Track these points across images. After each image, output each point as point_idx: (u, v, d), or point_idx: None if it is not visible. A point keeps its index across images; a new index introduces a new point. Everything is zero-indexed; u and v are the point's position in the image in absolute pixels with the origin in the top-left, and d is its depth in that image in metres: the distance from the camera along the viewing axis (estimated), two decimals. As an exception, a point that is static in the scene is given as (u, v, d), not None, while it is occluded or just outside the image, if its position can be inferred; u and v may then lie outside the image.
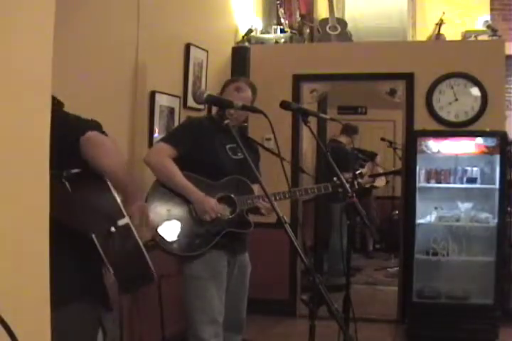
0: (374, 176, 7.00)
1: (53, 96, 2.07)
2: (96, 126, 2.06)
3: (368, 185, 7.13)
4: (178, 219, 2.90)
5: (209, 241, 2.89)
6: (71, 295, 1.86)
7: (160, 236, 2.82)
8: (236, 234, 2.99)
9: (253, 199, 2.97)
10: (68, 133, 1.93)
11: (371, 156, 7.47)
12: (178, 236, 2.88)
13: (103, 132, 2.08)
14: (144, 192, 3.02)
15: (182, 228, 2.89)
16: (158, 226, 2.83)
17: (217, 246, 2.91)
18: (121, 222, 1.95)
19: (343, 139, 6.44)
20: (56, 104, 2.05)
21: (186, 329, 2.96)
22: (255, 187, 3.01)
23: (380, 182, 7.54)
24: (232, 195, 2.96)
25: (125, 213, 1.99)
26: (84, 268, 1.91)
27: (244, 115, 3.09)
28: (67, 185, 1.87)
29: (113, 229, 1.87)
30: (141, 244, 2.00)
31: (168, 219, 2.89)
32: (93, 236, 1.85)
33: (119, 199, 2.01)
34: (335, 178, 2.92)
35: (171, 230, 2.88)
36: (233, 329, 3.07)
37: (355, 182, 3.08)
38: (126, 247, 1.91)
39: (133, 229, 1.99)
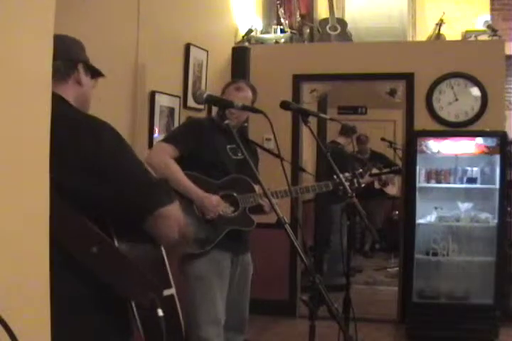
0: (376, 175, 7.02)
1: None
2: (169, 194, 1.77)
3: (378, 186, 7.18)
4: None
5: (213, 240, 2.91)
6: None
7: None
8: (239, 234, 3.00)
9: (255, 197, 2.98)
10: (140, 203, 1.68)
11: (390, 165, 7.45)
12: None
13: (173, 196, 1.80)
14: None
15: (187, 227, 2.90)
16: None
17: (221, 245, 2.92)
18: (166, 292, 1.74)
19: (342, 140, 6.43)
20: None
21: (188, 328, 2.96)
22: (256, 188, 3.02)
23: (393, 189, 7.57)
24: (235, 194, 2.98)
25: (172, 283, 1.79)
26: (114, 308, 1.71)
27: (245, 115, 3.10)
28: (115, 239, 1.66)
29: (160, 312, 1.61)
30: (180, 315, 1.80)
31: None
32: (132, 303, 1.66)
33: (168, 267, 1.80)
34: (335, 176, 2.93)
35: None
36: (236, 329, 3.08)
37: (355, 181, 3.09)
38: (165, 318, 1.67)
39: (176, 300, 1.79)
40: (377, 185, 7.35)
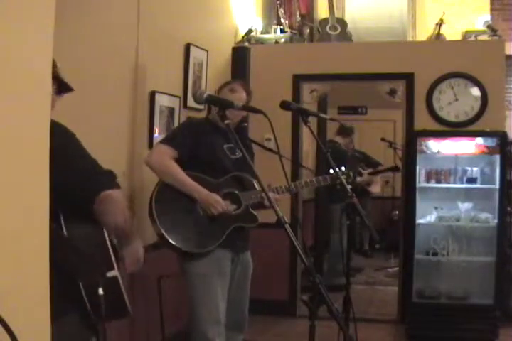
0: (374, 174, 7.01)
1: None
2: (113, 181, 2.04)
3: (364, 184, 7.17)
4: (185, 218, 2.92)
5: (218, 238, 2.92)
6: (59, 310, 1.80)
7: (168, 235, 2.83)
8: (240, 232, 3.02)
9: (257, 194, 2.99)
10: (85, 187, 1.91)
11: (375, 164, 7.45)
12: (187, 235, 2.89)
13: (117, 183, 2.05)
14: (144, 193, 3.02)
15: (190, 226, 2.91)
16: (163, 231, 2.84)
17: (222, 244, 2.94)
18: (109, 274, 1.95)
19: (340, 140, 6.43)
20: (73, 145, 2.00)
21: (190, 327, 2.96)
22: (257, 185, 3.04)
23: (376, 188, 7.54)
24: (236, 191, 2.99)
25: (115, 265, 1.99)
26: (72, 282, 1.88)
27: (240, 115, 3.11)
28: (63, 225, 1.86)
29: (100, 291, 1.84)
30: (124, 294, 2.01)
31: (175, 219, 2.90)
32: (80, 284, 1.86)
33: (111, 250, 2.00)
34: (331, 170, 2.95)
35: (179, 229, 2.88)
36: (235, 329, 3.09)
37: (351, 174, 3.12)
38: (109, 296, 1.89)
39: (120, 281, 1.99)
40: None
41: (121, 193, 2.07)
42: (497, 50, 4.84)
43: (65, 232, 1.86)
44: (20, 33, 1.47)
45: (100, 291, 1.82)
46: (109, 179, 2.03)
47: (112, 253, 1.99)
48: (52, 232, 1.71)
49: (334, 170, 2.71)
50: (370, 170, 7.14)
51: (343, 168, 3.10)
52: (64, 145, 1.87)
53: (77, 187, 1.88)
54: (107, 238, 2.00)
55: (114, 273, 1.97)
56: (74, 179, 1.88)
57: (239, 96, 3.09)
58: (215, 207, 2.90)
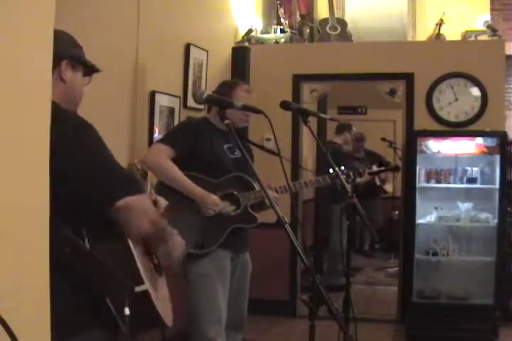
0: (375, 173, 7.01)
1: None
2: (135, 186, 1.84)
3: (378, 183, 7.19)
4: (184, 218, 2.91)
5: (218, 239, 2.92)
6: (78, 328, 1.74)
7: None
8: (240, 232, 3.02)
9: (256, 194, 2.99)
10: (105, 194, 1.74)
11: (386, 164, 7.46)
12: (187, 235, 2.89)
13: (140, 187, 1.87)
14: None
15: (189, 227, 2.90)
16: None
17: (222, 244, 2.94)
18: (138, 289, 1.81)
19: (338, 139, 6.42)
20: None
21: (191, 327, 2.96)
22: (256, 185, 3.03)
23: (388, 187, 7.57)
24: (235, 192, 2.99)
25: (144, 279, 1.84)
26: (91, 300, 1.77)
27: (246, 116, 3.07)
28: (87, 240, 1.74)
29: (127, 311, 1.70)
30: (158, 307, 1.88)
31: (174, 219, 2.89)
32: (107, 300, 1.74)
33: (139, 263, 1.85)
34: (331, 170, 2.94)
35: (178, 230, 2.88)
36: (235, 328, 3.10)
37: (351, 174, 3.12)
38: (141, 312, 1.78)
39: (152, 295, 1.85)
40: (377, 182, 7.35)
41: (143, 197, 1.85)
42: (497, 50, 4.84)
43: (87, 246, 1.74)
44: (20, 33, 1.47)
45: (127, 311, 1.70)
46: (126, 184, 1.81)
47: (140, 267, 1.84)
48: (76, 246, 1.66)
49: (334, 170, 2.72)
50: (374, 167, 7.15)
51: (342, 168, 3.11)
52: (73, 143, 1.74)
53: (90, 196, 1.72)
54: (133, 251, 1.84)
55: (143, 287, 1.83)
56: (84, 185, 1.72)
57: (253, 97, 3.09)
58: (212, 207, 2.90)
